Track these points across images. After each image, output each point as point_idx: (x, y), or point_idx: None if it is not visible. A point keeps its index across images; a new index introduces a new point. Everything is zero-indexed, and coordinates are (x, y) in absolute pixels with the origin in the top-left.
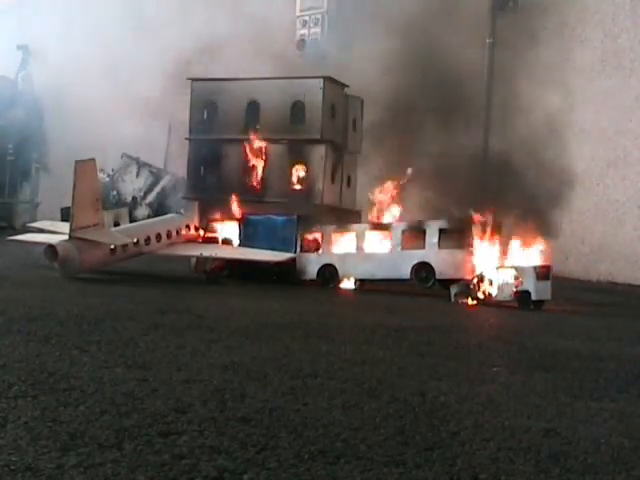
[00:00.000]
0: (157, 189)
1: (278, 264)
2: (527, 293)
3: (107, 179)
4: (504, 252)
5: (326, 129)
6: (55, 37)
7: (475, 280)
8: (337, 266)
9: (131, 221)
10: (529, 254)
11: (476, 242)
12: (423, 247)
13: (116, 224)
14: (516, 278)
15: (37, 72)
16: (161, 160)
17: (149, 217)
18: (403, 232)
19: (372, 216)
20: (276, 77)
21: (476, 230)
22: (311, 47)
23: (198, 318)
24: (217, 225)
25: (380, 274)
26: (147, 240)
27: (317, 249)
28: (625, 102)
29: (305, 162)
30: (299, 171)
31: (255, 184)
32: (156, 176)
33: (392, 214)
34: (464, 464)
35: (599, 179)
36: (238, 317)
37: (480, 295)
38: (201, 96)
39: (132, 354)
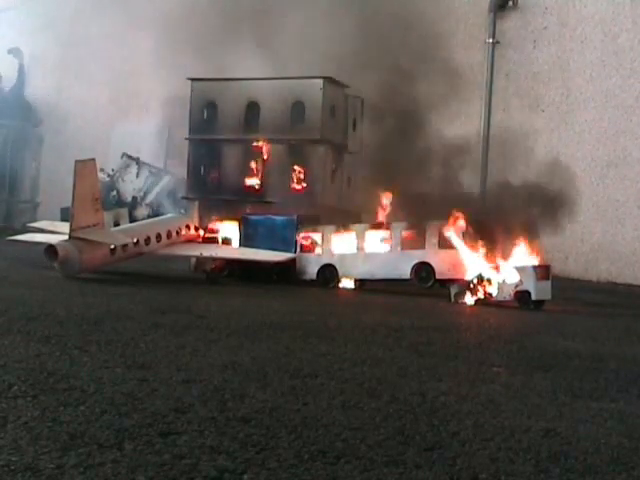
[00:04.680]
0: (157, 189)
1: (278, 264)
2: (527, 293)
3: (107, 179)
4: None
5: (326, 129)
6: (52, 38)
7: (475, 280)
8: (337, 266)
9: (131, 221)
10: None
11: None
12: (423, 247)
13: (116, 224)
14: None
15: (35, 74)
16: (161, 160)
17: (149, 217)
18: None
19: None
20: (276, 77)
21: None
22: None
23: (198, 318)
24: (217, 225)
25: (380, 274)
26: (147, 240)
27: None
28: (625, 102)
29: (305, 162)
30: (299, 171)
31: (255, 184)
32: (156, 176)
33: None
34: (464, 464)
35: (599, 179)
36: (238, 317)
37: (480, 295)
38: (201, 96)
39: (132, 354)
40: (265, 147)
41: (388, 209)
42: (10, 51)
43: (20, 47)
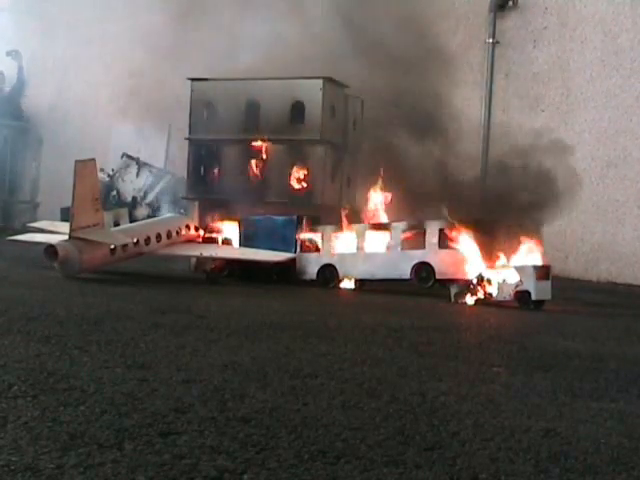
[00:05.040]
0: (157, 189)
1: (278, 264)
2: (527, 293)
3: (107, 179)
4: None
5: (326, 129)
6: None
7: (475, 280)
8: (337, 266)
9: (131, 221)
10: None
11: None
12: (423, 247)
13: (116, 224)
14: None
15: (35, 74)
16: (161, 160)
17: (149, 217)
18: (403, 232)
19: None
20: (276, 77)
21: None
22: None
23: (198, 318)
24: (217, 225)
25: (380, 274)
26: (147, 240)
27: (316, 249)
28: (625, 102)
29: (305, 162)
30: (299, 171)
31: (255, 184)
32: (156, 176)
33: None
34: (464, 464)
35: (599, 179)
36: (238, 317)
37: (480, 295)
38: (201, 96)
39: (132, 354)
40: (265, 146)
41: (380, 208)
42: (9, 53)
43: (19, 49)
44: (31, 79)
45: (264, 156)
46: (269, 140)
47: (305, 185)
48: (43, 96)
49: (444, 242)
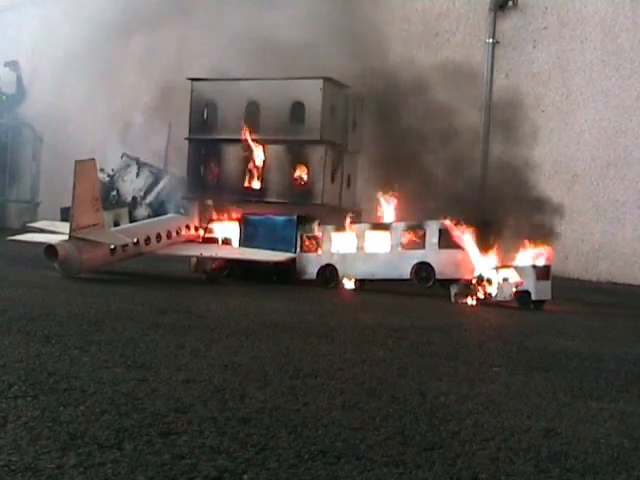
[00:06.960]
0: (157, 189)
1: (278, 264)
2: (527, 293)
3: (107, 179)
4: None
5: (326, 129)
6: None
7: (475, 280)
8: (337, 266)
9: (131, 221)
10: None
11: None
12: (423, 247)
13: (116, 224)
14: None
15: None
16: (161, 160)
17: (149, 217)
18: (403, 232)
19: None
20: (276, 77)
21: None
22: None
23: (198, 318)
24: (216, 225)
25: (380, 274)
26: (147, 240)
27: (316, 249)
28: (625, 102)
29: (305, 162)
30: (299, 171)
31: (255, 184)
32: (156, 176)
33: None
34: (464, 464)
35: (599, 179)
36: (238, 317)
37: (480, 295)
38: (201, 96)
39: (132, 354)
40: (250, 146)
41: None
42: (7, 64)
43: (17, 59)
44: (30, 79)
45: (255, 157)
46: (255, 141)
47: (305, 185)
48: (43, 95)
49: (444, 242)
